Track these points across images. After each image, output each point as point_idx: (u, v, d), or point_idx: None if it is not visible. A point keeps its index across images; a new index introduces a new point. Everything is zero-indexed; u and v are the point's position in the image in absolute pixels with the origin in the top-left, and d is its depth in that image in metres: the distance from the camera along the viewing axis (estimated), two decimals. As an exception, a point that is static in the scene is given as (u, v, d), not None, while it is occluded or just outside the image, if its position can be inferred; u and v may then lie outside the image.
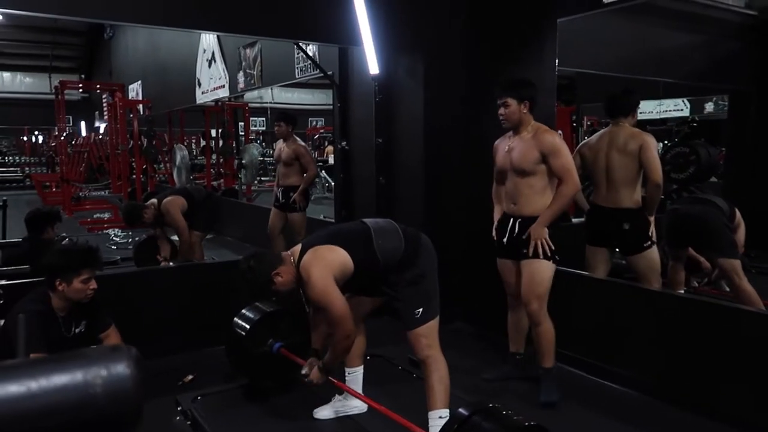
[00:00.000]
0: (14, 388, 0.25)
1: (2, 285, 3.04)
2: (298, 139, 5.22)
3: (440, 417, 2.37)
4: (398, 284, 2.46)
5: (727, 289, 4.19)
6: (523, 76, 3.21)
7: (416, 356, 2.55)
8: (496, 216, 3.18)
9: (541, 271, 2.92)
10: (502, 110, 2.95)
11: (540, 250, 2.88)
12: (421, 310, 2.43)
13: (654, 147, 3.26)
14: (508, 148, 3.00)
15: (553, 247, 2.90)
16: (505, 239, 3.05)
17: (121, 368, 0.27)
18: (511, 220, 3.01)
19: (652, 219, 3.32)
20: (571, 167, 2.88)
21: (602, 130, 3.51)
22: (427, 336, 2.45)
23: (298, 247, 2.53)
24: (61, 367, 0.26)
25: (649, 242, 3.30)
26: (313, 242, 2.49)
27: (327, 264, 2.38)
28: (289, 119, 5.19)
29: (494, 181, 3.22)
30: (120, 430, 0.27)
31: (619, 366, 3.17)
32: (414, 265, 2.46)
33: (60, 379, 0.26)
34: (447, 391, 2.45)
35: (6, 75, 19.98)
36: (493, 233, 3.16)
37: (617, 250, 3.52)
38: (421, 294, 2.46)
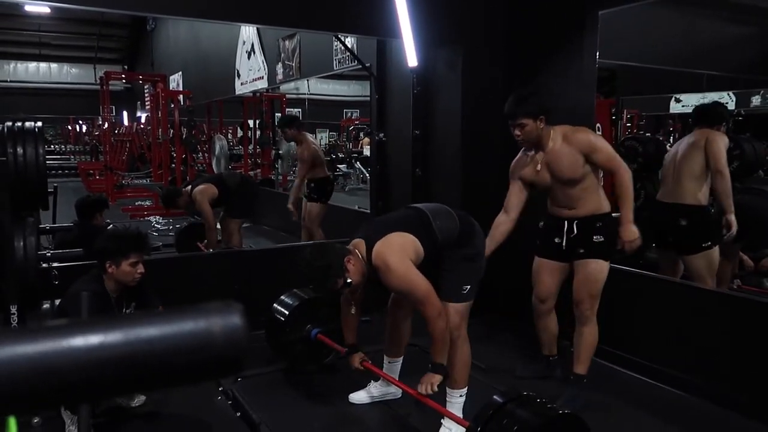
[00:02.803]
0: (153, 331, 0.31)
1: (56, 267, 3.19)
2: (308, 137, 5.54)
3: (460, 396, 2.53)
4: (453, 258, 2.49)
5: (770, 287, 4.10)
6: (525, 89, 3.00)
7: None
8: (489, 250, 2.79)
9: (598, 270, 2.79)
10: (517, 132, 2.74)
11: (633, 248, 2.74)
12: (468, 287, 2.49)
13: (721, 141, 3.22)
14: (539, 167, 2.80)
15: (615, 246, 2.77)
16: (561, 240, 2.86)
17: (235, 318, 0.33)
18: (566, 222, 2.83)
19: (732, 218, 3.19)
20: (615, 154, 2.76)
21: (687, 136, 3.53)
22: (462, 315, 2.51)
23: (358, 241, 2.48)
24: (187, 316, 0.32)
25: (709, 243, 3.18)
26: (376, 234, 2.44)
27: (402, 248, 2.37)
28: (290, 123, 5.47)
29: (504, 207, 2.95)
30: (232, 369, 0.33)
31: (675, 369, 3.09)
32: (470, 243, 2.51)
33: (187, 326, 0.32)
34: (468, 372, 2.56)
35: (53, 66, 20.68)
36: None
37: (673, 249, 3.39)
38: (472, 272, 2.52)
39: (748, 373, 2.82)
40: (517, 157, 2.96)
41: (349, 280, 2.39)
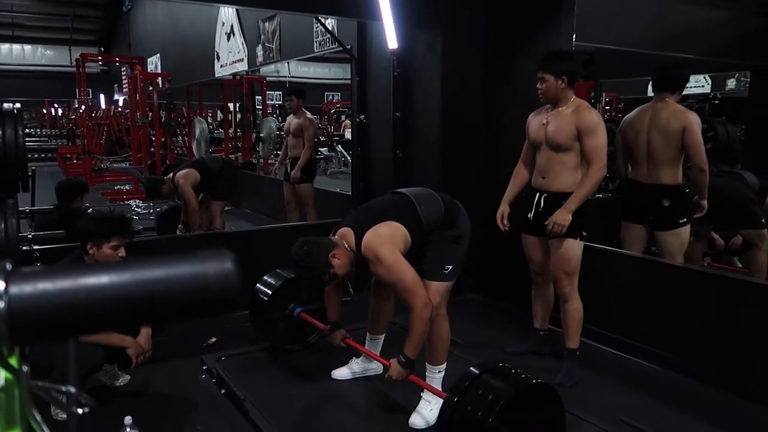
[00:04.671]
0: (157, 272, 0.35)
1: (37, 249, 3.19)
2: (307, 112, 5.64)
3: (439, 371, 2.61)
4: (437, 239, 2.55)
5: (739, 265, 4.24)
6: (562, 49, 3.17)
7: None
8: (509, 194, 3.12)
9: (570, 248, 2.87)
10: (539, 85, 2.89)
11: (556, 232, 2.81)
12: (450, 267, 2.54)
13: (699, 129, 3.15)
14: (545, 121, 2.92)
15: (577, 226, 2.83)
16: (531, 215, 2.99)
17: (227, 263, 0.37)
18: (537, 194, 2.96)
19: (704, 203, 3.28)
20: (603, 150, 2.79)
21: (644, 106, 3.39)
22: (443, 294, 2.57)
23: (346, 231, 2.51)
24: (185, 261, 0.37)
25: (684, 219, 3.27)
26: (364, 223, 2.47)
27: (392, 239, 2.40)
28: (299, 93, 5.59)
29: (521, 158, 3.14)
30: (225, 308, 0.38)
31: (647, 343, 3.20)
32: (454, 226, 2.57)
33: (185, 269, 0.36)
34: (447, 349, 2.64)
35: (27, 48, 20.21)
36: (500, 212, 3.11)
37: (650, 226, 3.43)
38: (456, 253, 2.57)
39: (719, 347, 2.94)
40: (533, 113, 3.07)
41: (335, 274, 2.44)
